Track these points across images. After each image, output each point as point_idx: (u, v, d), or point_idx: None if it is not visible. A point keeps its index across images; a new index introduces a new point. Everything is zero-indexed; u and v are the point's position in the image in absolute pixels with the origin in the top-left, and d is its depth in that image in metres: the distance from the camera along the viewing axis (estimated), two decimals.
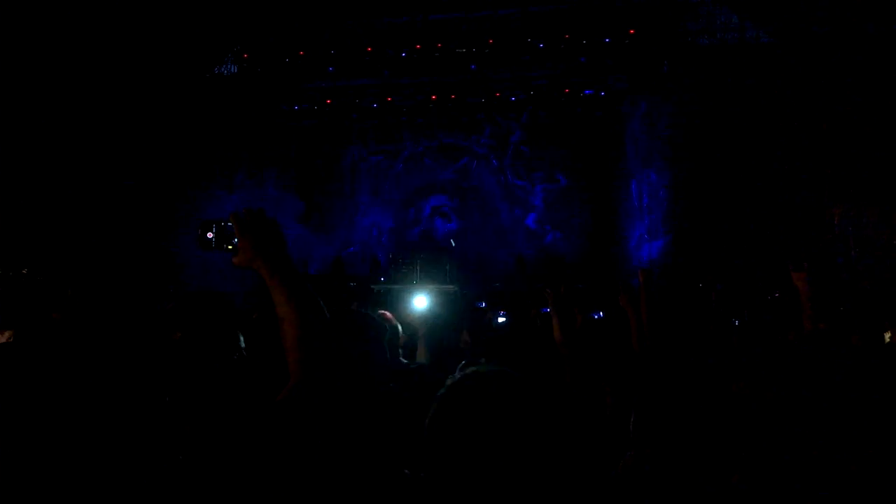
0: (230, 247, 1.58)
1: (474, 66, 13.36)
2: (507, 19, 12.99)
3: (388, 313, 3.09)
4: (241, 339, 2.64)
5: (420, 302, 3.90)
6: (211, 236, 1.63)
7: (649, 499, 1.65)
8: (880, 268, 9.66)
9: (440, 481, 1.16)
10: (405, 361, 3.00)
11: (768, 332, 3.72)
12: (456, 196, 14.41)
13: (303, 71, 13.62)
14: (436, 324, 3.90)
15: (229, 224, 1.58)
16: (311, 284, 1.54)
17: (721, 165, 11.59)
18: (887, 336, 3.43)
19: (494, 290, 10.64)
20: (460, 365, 2.34)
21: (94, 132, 10.80)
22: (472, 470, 1.15)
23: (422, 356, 3.51)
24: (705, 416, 1.73)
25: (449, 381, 1.28)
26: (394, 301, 6.93)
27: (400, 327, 3.04)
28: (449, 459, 1.16)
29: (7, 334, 2.24)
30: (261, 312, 2.85)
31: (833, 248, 10.34)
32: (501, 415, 1.17)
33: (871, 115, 10.02)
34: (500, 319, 6.28)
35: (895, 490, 1.41)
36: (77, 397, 1.09)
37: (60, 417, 1.06)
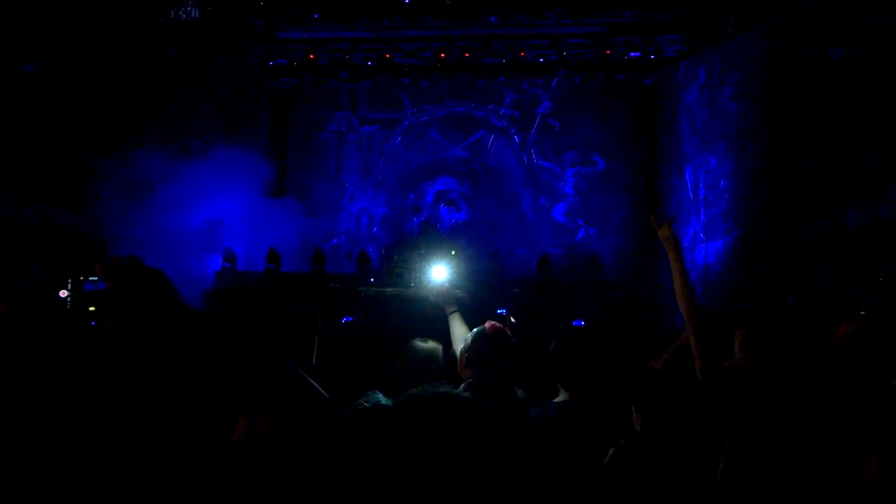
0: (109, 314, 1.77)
1: (494, 18, 12.49)
2: None
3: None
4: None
5: (439, 272, 4.01)
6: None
7: None
8: None
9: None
10: None
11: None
12: (467, 179, 13.93)
13: (280, 17, 12.68)
14: (470, 297, 4.07)
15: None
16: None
17: (798, 149, 10.82)
18: None
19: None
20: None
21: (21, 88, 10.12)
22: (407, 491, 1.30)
23: (458, 339, 3.47)
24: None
25: (389, 405, 1.53)
26: (387, 307, 7.08)
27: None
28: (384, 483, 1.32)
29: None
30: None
31: None
32: (436, 439, 1.29)
33: None
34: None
35: None
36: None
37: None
